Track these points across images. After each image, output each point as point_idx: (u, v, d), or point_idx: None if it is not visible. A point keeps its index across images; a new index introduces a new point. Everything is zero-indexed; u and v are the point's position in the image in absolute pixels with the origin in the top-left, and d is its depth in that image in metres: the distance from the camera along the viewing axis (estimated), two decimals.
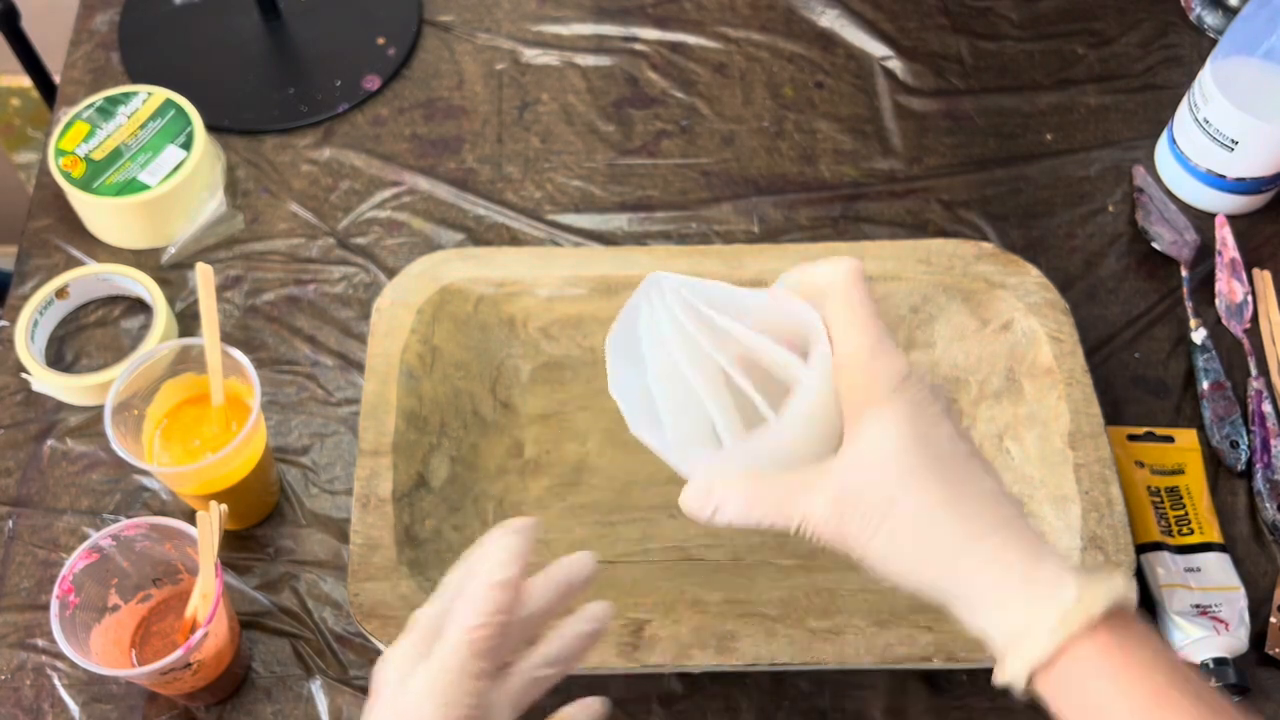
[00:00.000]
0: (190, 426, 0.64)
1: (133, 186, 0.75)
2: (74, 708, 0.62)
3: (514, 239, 0.80)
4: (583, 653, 0.48)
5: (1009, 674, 0.42)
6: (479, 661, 0.42)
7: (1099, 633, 0.40)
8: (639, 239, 0.80)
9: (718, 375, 0.46)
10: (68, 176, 0.76)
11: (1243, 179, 0.78)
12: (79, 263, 0.78)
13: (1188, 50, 0.90)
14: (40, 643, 0.64)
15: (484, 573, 0.43)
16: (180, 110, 0.79)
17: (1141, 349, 0.76)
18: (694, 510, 0.45)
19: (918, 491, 0.41)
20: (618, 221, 0.81)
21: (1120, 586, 0.40)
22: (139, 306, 0.76)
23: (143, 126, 0.78)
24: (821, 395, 0.43)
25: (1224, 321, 0.76)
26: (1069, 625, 0.40)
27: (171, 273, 0.77)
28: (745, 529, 0.44)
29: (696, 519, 0.45)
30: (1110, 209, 0.82)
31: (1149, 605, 0.66)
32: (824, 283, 0.44)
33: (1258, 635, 0.65)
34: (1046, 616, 0.40)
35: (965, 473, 0.42)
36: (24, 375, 0.71)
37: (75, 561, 0.56)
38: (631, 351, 0.47)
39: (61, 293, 0.74)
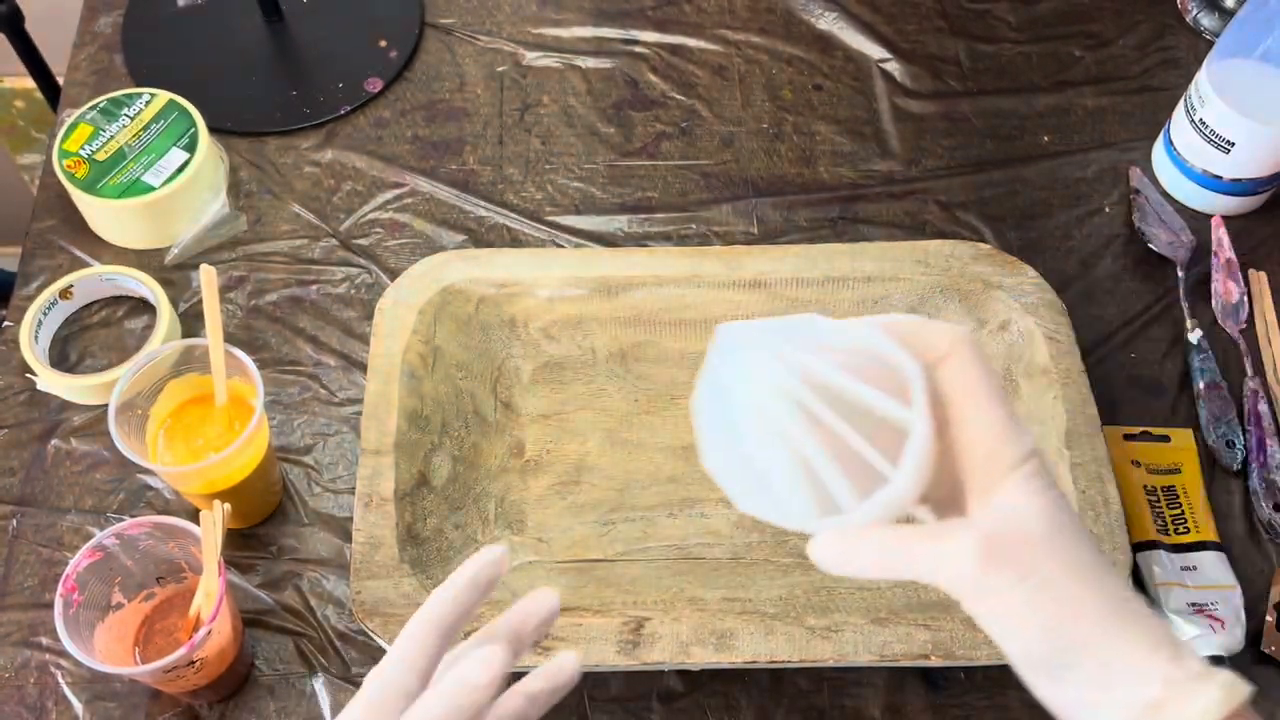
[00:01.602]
0: (194, 426, 0.65)
1: (136, 188, 0.76)
2: (78, 705, 0.63)
3: (515, 240, 0.80)
4: None
5: None
6: None
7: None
8: (639, 240, 0.80)
9: (826, 437, 0.43)
10: (71, 178, 0.76)
11: (1239, 180, 0.79)
12: (83, 263, 0.78)
13: (1184, 52, 0.90)
14: (44, 641, 0.65)
15: (467, 676, 0.42)
16: (183, 112, 0.79)
17: (1138, 349, 0.76)
18: (827, 562, 0.44)
19: (1063, 552, 0.42)
20: (618, 223, 0.81)
21: (1245, 686, 0.41)
22: (142, 307, 0.77)
23: (146, 128, 0.78)
24: (929, 447, 0.43)
25: (1220, 322, 0.77)
26: (1226, 705, 0.40)
27: (175, 273, 0.78)
28: (873, 577, 0.44)
29: (828, 570, 0.45)
30: (1107, 210, 0.82)
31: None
32: (945, 345, 0.44)
33: (1254, 633, 0.65)
34: (1201, 695, 0.40)
35: (1093, 548, 0.43)
36: (29, 375, 0.72)
37: (79, 560, 0.57)
38: (721, 418, 0.44)
39: (65, 293, 0.75)
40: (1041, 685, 0.43)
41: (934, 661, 0.59)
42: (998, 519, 0.42)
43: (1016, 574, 0.41)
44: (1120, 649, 0.41)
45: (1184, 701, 0.40)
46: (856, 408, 0.43)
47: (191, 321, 0.76)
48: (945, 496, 0.46)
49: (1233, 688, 0.40)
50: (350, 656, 0.65)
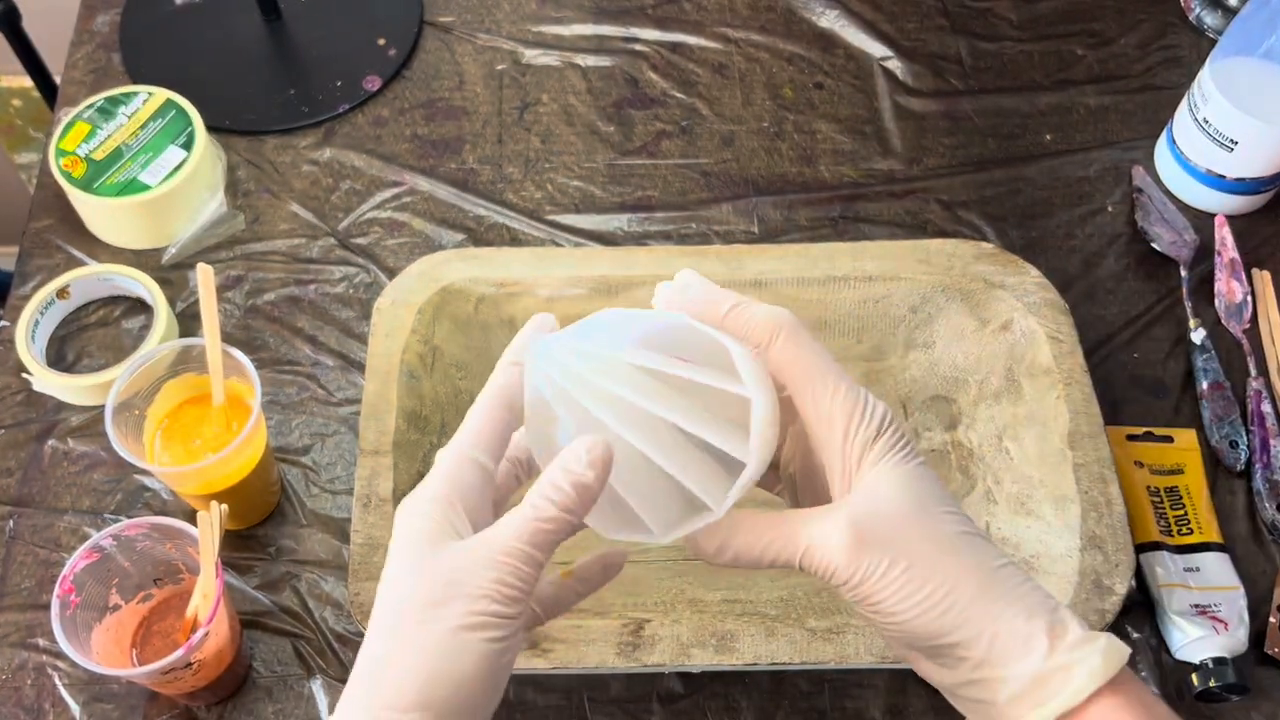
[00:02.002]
0: (191, 426, 0.64)
1: (133, 187, 0.75)
2: (75, 707, 0.63)
3: (514, 239, 0.80)
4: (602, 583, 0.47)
5: (1039, 717, 0.40)
6: (540, 554, 0.40)
7: (1122, 685, 0.40)
8: (639, 239, 0.80)
9: (668, 434, 0.42)
10: (68, 177, 0.76)
11: (1242, 179, 0.78)
12: (80, 263, 0.78)
13: (1187, 51, 0.90)
14: (41, 642, 0.64)
15: (569, 465, 0.40)
16: (181, 110, 0.79)
17: (1140, 349, 0.76)
18: (705, 553, 0.44)
19: (931, 526, 0.41)
20: (618, 222, 0.81)
21: (1124, 649, 0.41)
22: (140, 307, 0.76)
23: (143, 127, 0.78)
24: (772, 416, 0.42)
25: (1223, 322, 0.76)
26: (1105, 673, 0.39)
27: (172, 273, 0.78)
28: (749, 565, 0.43)
29: (704, 558, 0.44)
30: (1109, 209, 0.82)
31: (1148, 605, 0.66)
32: (767, 330, 0.43)
33: (1257, 635, 0.65)
34: (1082, 664, 0.40)
35: (964, 519, 0.42)
36: (25, 375, 0.71)
37: (76, 561, 0.56)
38: (555, 445, 0.43)
39: (62, 293, 0.74)
40: (926, 668, 0.43)
41: None
42: (863, 500, 0.42)
43: (888, 556, 0.41)
44: (998, 624, 0.40)
45: (1066, 673, 0.40)
46: (688, 396, 0.42)
47: (189, 321, 0.76)
48: (801, 480, 0.45)
49: (1111, 653, 0.40)
50: (348, 658, 0.64)
